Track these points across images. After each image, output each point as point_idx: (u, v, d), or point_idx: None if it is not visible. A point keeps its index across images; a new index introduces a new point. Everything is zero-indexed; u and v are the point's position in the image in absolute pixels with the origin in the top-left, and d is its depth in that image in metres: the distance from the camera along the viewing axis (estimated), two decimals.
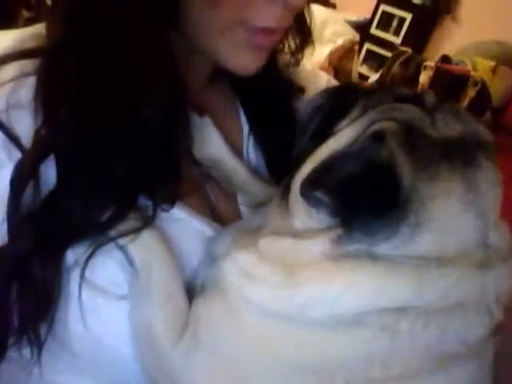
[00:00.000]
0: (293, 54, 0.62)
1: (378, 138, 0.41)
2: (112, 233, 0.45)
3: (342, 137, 0.45)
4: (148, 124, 0.45)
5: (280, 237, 0.45)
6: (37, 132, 0.44)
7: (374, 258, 0.40)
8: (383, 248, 0.40)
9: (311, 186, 0.42)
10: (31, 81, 0.45)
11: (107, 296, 0.46)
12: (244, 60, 0.49)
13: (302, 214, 0.45)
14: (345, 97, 0.49)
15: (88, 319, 0.46)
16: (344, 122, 0.46)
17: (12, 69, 0.45)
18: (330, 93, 0.52)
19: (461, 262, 0.41)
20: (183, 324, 0.46)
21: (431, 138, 0.42)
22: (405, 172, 0.40)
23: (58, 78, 0.45)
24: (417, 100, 0.46)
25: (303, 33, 0.60)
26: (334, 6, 3.66)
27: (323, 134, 0.47)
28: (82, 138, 0.44)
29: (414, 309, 0.40)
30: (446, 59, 2.37)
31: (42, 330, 0.45)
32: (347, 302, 0.40)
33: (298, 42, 0.61)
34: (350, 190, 0.40)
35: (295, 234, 0.44)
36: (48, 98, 0.44)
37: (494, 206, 0.44)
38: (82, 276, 0.44)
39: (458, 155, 0.42)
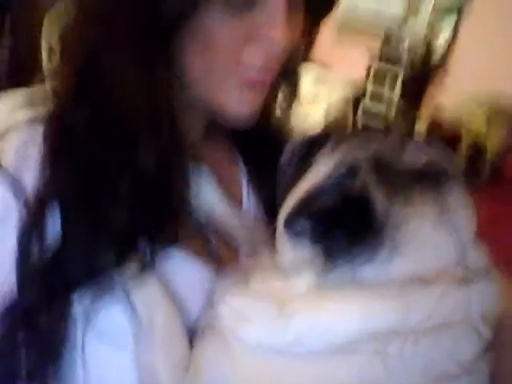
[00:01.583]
0: (283, 108, 0.66)
1: (351, 170, 0.44)
2: (115, 280, 0.46)
3: (318, 172, 0.47)
4: (146, 173, 0.47)
5: (269, 276, 0.47)
6: (40, 183, 0.45)
7: (359, 284, 0.42)
8: (365, 272, 0.42)
9: (292, 219, 0.44)
10: (39, 136, 0.47)
11: (112, 343, 0.46)
12: (241, 102, 0.52)
13: (287, 250, 0.46)
14: (318, 138, 0.52)
15: (93, 365, 0.46)
16: (317, 158, 0.49)
17: (22, 127, 0.48)
18: (305, 136, 0.55)
19: (442, 280, 0.42)
20: (185, 367, 0.47)
21: (401, 167, 0.45)
22: (378, 199, 0.42)
23: (63, 131, 0.48)
24: (385, 134, 0.50)
25: (292, 87, 0.65)
26: (328, 67, 3.79)
27: (301, 173, 0.49)
28: (83, 187, 0.46)
29: (403, 331, 0.41)
30: (437, 123, 2.43)
31: (49, 379, 0.45)
32: (337, 330, 0.41)
33: (287, 96, 0.65)
34: (328, 220, 0.43)
35: (283, 272, 0.46)
36: (52, 151, 0.47)
37: (468, 227, 0.45)
38: (85, 328, 0.45)
39: (429, 181, 0.45)
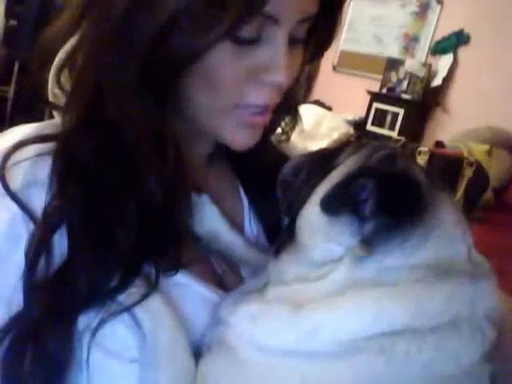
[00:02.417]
0: (284, 132, 0.68)
1: (389, 159, 0.46)
2: (120, 299, 0.46)
3: (348, 165, 0.48)
4: (151, 199, 0.49)
5: (289, 284, 0.47)
6: (48, 205, 0.47)
7: (375, 284, 0.42)
8: (395, 257, 0.42)
9: (337, 198, 0.45)
10: (47, 161, 0.49)
11: (118, 359, 0.46)
12: (241, 137, 0.55)
13: (320, 241, 0.47)
14: (331, 151, 0.54)
15: (98, 381, 0.46)
16: (343, 156, 0.50)
17: (30, 150, 0.49)
18: (309, 152, 0.57)
19: (454, 274, 0.43)
20: (190, 383, 0.47)
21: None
22: (423, 180, 0.45)
23: (71, 157, 0.49)
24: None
25: (293, 116, 0.67)
26: (329, 109, 3.86)
27: (317, 179, 0.50)
28: (90, 212, 0.47)
29: (412, 330, 0.41)
30: (439, 144, 2.46)
31: None
32: (350, 328, 0.41)
33: (288, 123, 0.67)
34: (378, 196, 0.43)
35: (305, 278, 0.46)
36: (61, 175, 0.48)
37: (467, 233, 0.47)
38: (91, 343, 0.45)
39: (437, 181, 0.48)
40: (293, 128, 0.68)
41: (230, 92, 0.50)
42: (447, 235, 0.44)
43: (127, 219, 0.48)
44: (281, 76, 0.50)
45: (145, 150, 0.49)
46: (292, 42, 0.51)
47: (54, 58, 0.53)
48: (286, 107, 0.62)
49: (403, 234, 0.42)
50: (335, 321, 0.41)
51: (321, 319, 0.42)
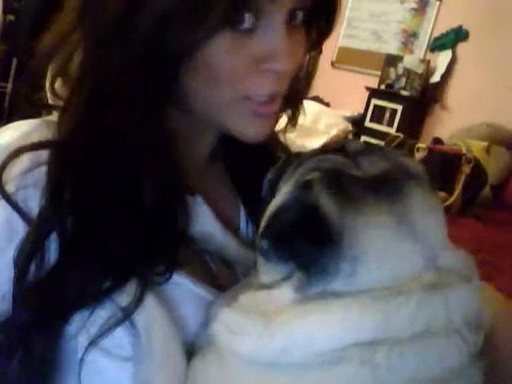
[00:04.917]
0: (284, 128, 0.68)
1: (306, 187, 0.45)
2: (118, 301, 0.47)
3: (280, 195, 0.49)
4: (146, 206, 0.48)
5: (256, 291, 0.48)
6: (42, 210, 0.47)
7: (337, 295, 0.42)
8: (337, 286, 0.42)
9: (261, 240, 0.46)
10: (43, 169, 0.48)
11: (111, 358, 0.47)
12: (252, 129, 0.53)
13: (264, 269, 0.48)
14: (284, 164, 0.54)
15: (92, 382, 0.47)
16: (281, 184, 0.51)
17: (26, 159, 0.49)
18: (277, 163, 0.57)
19: (413, 287, 0.42)
20: (182, 383, 0.47)
21: (355, 177, 0.45)
22: (330, 210, 0.42)
23: (65, 163, 0.49)
24: (340, 149, 0.50)
25: (295, 110, 0.66)
26: (328, 105, 3.86)
27: (266, 203, 0.51)
28: (82, 218, 0.47)
29: (387, 340, 0.40)
30: (438, 141, 2.46)
31: None
32: (320, 340, 0.41)
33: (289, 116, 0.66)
34: (288, 236, 0.44)
35: (268, 287, 0.46)
36: (56, 181, 0.48)
37: (435, 229, 0.45)
38: (90, 348, 0.46)
39: (385, 188, 0.44)
40: (295, 123, 0.68)
41: (233, 84, 0.49)
42: (387, 255, 0.42)
43: (121, 227, 0.48)
44: (283, 62, 0.49)
45: (140, 153, 0.49)
46: (291, 26, 0.50)
47: (50, 62, 0.53)
48: (289, 100, 0.62)
49: (329, 270, 0.42)
50: (303, 336, 0.41)
51: (290, 335, 0.42)
